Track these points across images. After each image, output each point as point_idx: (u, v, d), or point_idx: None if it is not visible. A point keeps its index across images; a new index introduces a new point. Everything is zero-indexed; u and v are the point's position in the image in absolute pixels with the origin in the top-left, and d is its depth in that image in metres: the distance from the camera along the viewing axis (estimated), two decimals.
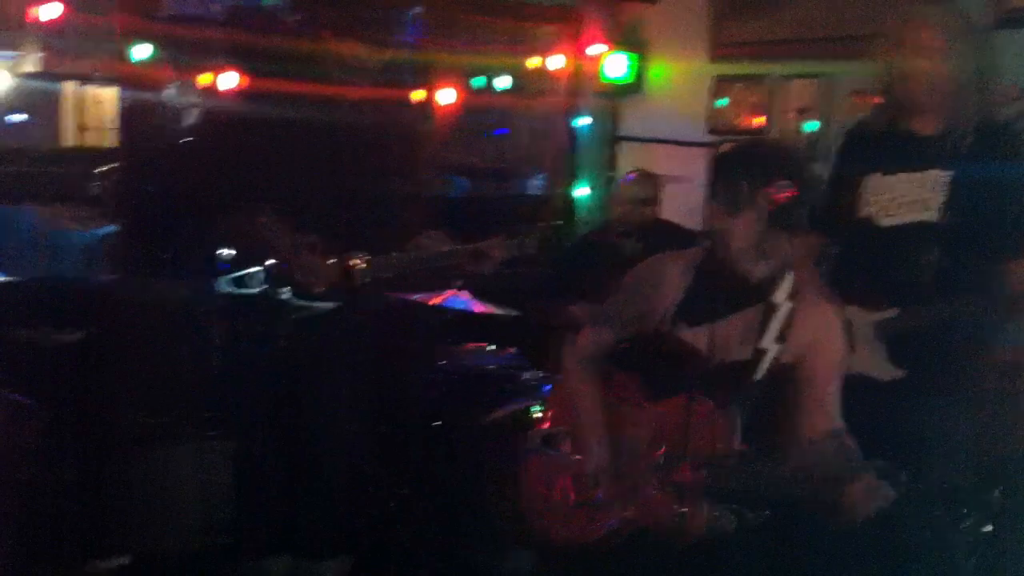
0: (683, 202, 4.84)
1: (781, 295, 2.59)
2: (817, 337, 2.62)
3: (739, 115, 5.05)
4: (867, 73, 4.31)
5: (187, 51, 4.37)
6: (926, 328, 2.93)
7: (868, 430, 2.77)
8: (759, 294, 2.57)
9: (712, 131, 5.15)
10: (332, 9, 3.23)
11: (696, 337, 2.62)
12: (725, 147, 2.73)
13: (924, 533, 2.69)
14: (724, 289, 2.59)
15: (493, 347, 4.47)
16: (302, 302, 3.12)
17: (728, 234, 2.56)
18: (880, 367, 3.01)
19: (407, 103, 3.62)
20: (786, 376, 2.60)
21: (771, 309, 2.57)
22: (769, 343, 2.56)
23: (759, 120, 4.96)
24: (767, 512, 2.49)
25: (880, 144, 3.08)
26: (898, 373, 2.99)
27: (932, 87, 2.92)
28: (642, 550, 2.58)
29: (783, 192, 2.49)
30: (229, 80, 3.87)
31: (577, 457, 2.72)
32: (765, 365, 2.57)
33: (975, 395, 2.97)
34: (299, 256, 3.10)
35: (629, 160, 5.51)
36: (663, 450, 2.57)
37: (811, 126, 4.71)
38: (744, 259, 2.55)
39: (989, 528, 2.94)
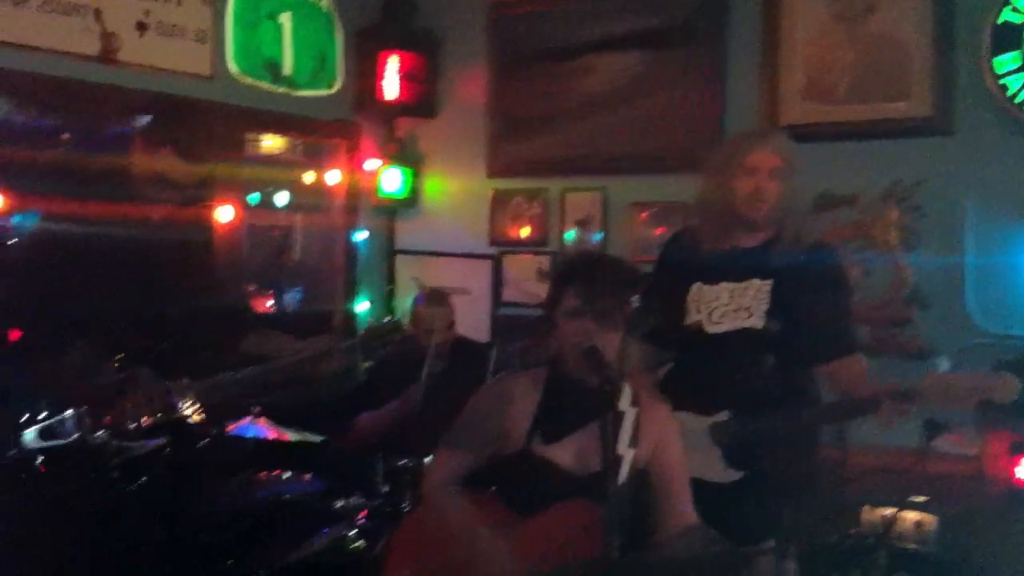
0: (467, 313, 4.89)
1: (625, 402, 2.64)
2: (662, 438, 2.73)
3: (519, 228, 5.17)
4: (646, 187, 4.64)
5: None
6: (758, 431, 3.06)
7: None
8: (606, 403, 2.59)
9: (493, 243, 5.24)
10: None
11: (555, 452, 2.65)
12: (565, 261, 2.79)
13: None
14: (574, 402, 2.63)
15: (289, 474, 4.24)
16: (122, 444, 2.83)
17: (568, 346, 2.60)
18: (716, 470, 3.11)
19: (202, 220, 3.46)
20: (643, 478, 2.69)
21: (619, 417, 2.60)
22: (623, 449, 2.61)
23: (539, 232, 5.09)
24: None
25: (701, 255, 3.22)
26: (734, 475, 3.09)
27: (765, 206, 3.10)
28: None
29: (632, 304, 2.56)
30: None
31: None
32: (625, 469, 2.61)
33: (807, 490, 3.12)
34: (120, 396, 2.84)
35: (408, 274, 5.49)
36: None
37: (596, 236, 4.89)
38: (585, 371, 2.57)
39: None
